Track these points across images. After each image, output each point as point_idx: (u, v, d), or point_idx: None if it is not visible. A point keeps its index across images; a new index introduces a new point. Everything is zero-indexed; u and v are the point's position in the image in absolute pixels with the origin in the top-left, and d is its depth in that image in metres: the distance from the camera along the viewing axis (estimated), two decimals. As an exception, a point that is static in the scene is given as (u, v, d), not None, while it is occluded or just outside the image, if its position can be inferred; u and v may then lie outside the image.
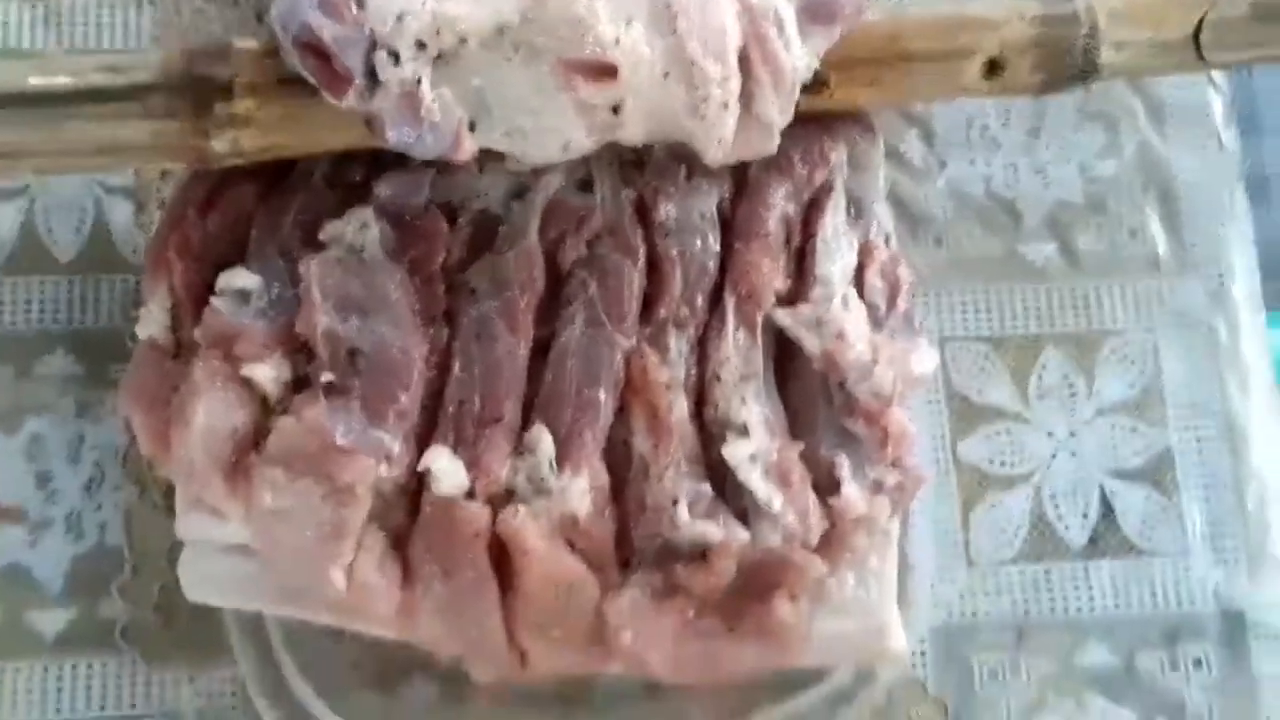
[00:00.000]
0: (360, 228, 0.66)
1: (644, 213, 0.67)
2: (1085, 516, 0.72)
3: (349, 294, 0.63)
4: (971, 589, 0.71)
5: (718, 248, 0.68)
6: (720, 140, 0.62)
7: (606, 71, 0.60)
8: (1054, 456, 0.72)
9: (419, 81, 0.59)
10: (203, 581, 0.64)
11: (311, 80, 0.60)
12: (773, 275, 0.67)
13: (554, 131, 0.62)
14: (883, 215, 0.70)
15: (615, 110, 0.61)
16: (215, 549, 0.63)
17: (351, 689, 0.67)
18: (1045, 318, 0.74)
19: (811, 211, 0.69)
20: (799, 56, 0.63)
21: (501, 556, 0.62)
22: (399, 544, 0.63)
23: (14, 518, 0.68)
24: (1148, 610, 0.71)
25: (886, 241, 0.69)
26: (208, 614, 0.67)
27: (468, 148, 0.61)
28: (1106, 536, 0.72)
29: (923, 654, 0.70)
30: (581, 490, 0.63)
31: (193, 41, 0.73)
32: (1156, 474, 0.73)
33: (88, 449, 0.69)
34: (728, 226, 0.68)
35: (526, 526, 0.61)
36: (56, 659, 0.67)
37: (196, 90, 0.61)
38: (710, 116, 0.62)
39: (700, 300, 0.67)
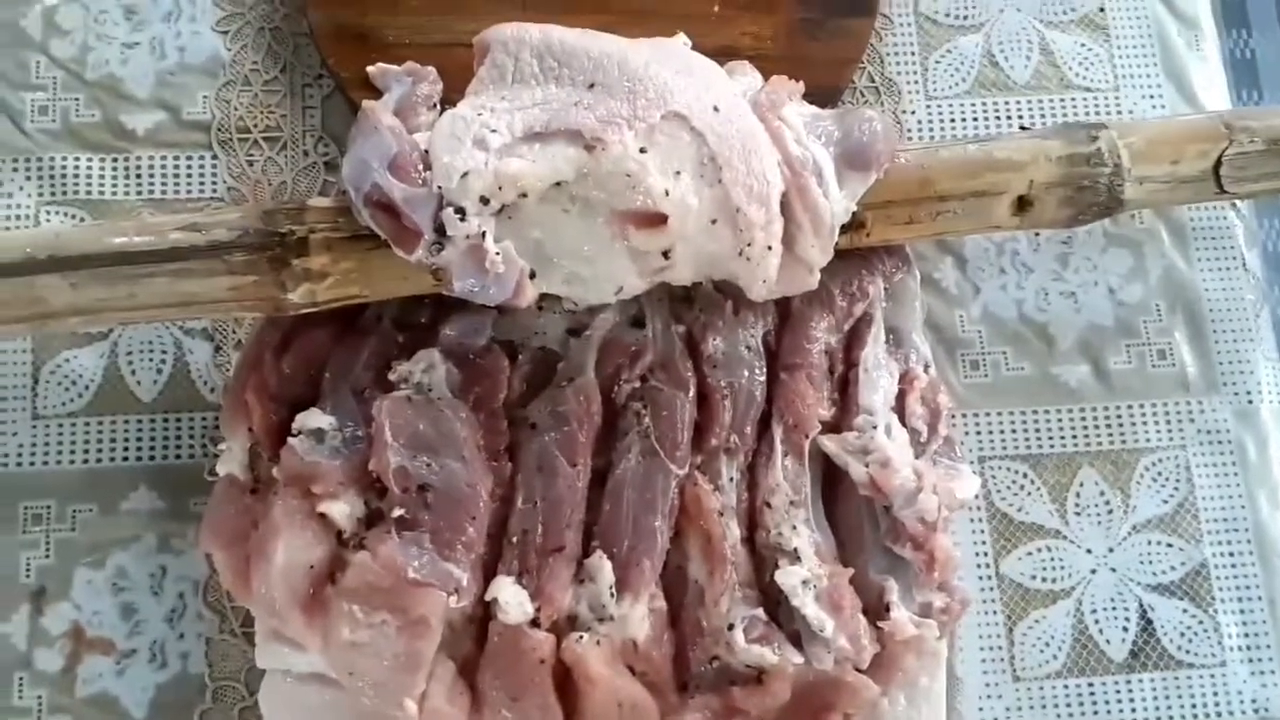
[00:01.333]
0: (427, 368, 0.69)
1: (693, 346, 0.71)
2: (1125, 630, 0.74)
3: (418, 432, 0.67)
4: (1018, 704, 0.73)
5: (763, 378, 0.71)
6: (765, 280, 0.66)
7: (657, 220, 0.64)
8: (1094, 572, 0.75)
9: (484, 235, 0.63)
10: (283, 710, 0.67)
11: (382, 235, 0.64)
12: (817, 405, 0.70)
13: (608, 277, 0.66)
14: (921, 344, 0.73)
15: (666, 255, 0.65)
16: (293, 678, 0.66)
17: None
18: (1080, 437, 0.77)
19: (852, 342, 0.73)
20: (837, 202, 0.67)
21: (565, 682, 0.65)
22: (467, 672, 0.66)
23: (103, 649, 0.71)
24: (1188, 721, 0.73)
25: (926, 369, 0.72)
26: (286, 739, 0.70)
27: (529, 295, 0.65)
28: (1146, 650, 0.74)
29: (972, 768, 0.72)
30: (641, 616, 0.66)
31: (265, 194, 0.77)
32: (1192, 588, 0.75)
33: (170, 581, 0.73)
34: (773, 357, 0.72)
35: (590, 653, 0.64)
36: (142, 783, 0.70)
37: (274, 246, 0.65)
38: (755, 258, 0.66)
39: (749, 429, 0.70)
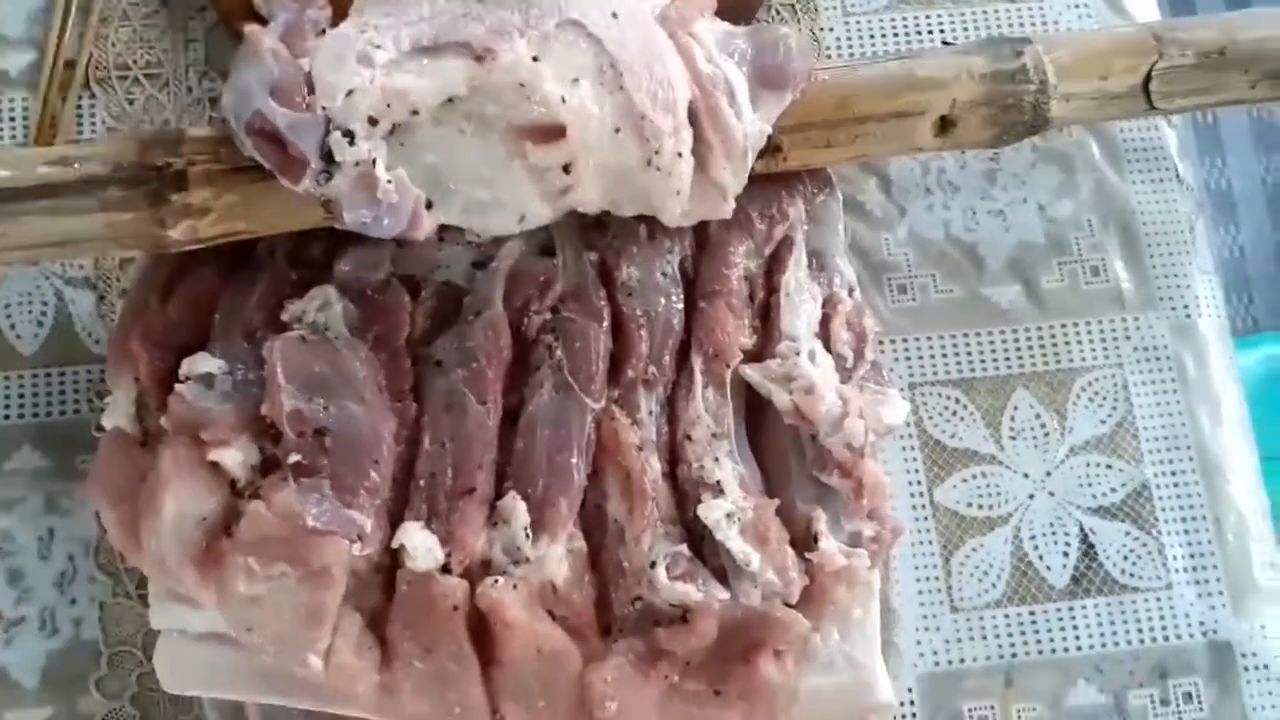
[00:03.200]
0: (322, 306, 0.65)
1: (607, 274, 0.67)
2: (1066, 556, 0.71)
3: (314, 373, 0.63)
4: (957, 635, 0.70)
5: (681, 306, 0.68)
6: (678, 192, 0.63)
7: (556, 132, 0.60)
8: (1031, 497, 0.72)
9: (374, 162, 0.59)
10: (180, 672, 0.63)
11: (267, 166, 0.60)
12: (738, 332, 0.67)
13: (511, 203, 0.62)
14: (845, 267, 0.70)
15: (567, 170, 0.61)
16: (190, 638, 0.63)
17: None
18: (1014, 359, 0.74)
19: (773, 267, 0.69)
20: (750, 123, 0.63)
21: (481, 629, 0.62)
22: (376, 624, 0.62)
23: (-13, 617, 0.67)
24: (1135, 647, 0.70)
25: (850, 293, 0.69)
26: (186, 706, 0.67)
27: (426, 226, 0.61)
28: (1089, 575, 0.71)
29: (912, 703, 0.69)
30: (559, 557, 0.63)
31: (145, 131, 0.73)
32: (1135, 510, 0.72)
33: (59, 543, 0.69)
34: (691, 285, 0.68)
35: (506, 597, 0.61)
36: (36, 759, 0.66)
37: (151, 180, 0.61)
38: (665, 167, 0.62)
39: (668, 359, 0.67)
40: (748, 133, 0.63)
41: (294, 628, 0.60)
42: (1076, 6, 0.80)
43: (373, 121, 0.59)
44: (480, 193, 0.62)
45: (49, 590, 0.68)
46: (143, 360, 0.64)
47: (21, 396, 0.70)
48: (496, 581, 0.61)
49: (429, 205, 0.61)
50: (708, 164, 0.63)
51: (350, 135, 0.59)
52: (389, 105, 0.59)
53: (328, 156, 0.59)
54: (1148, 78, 0.70)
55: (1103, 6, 0.81)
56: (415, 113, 0.60)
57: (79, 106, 0.74)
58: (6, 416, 0.70)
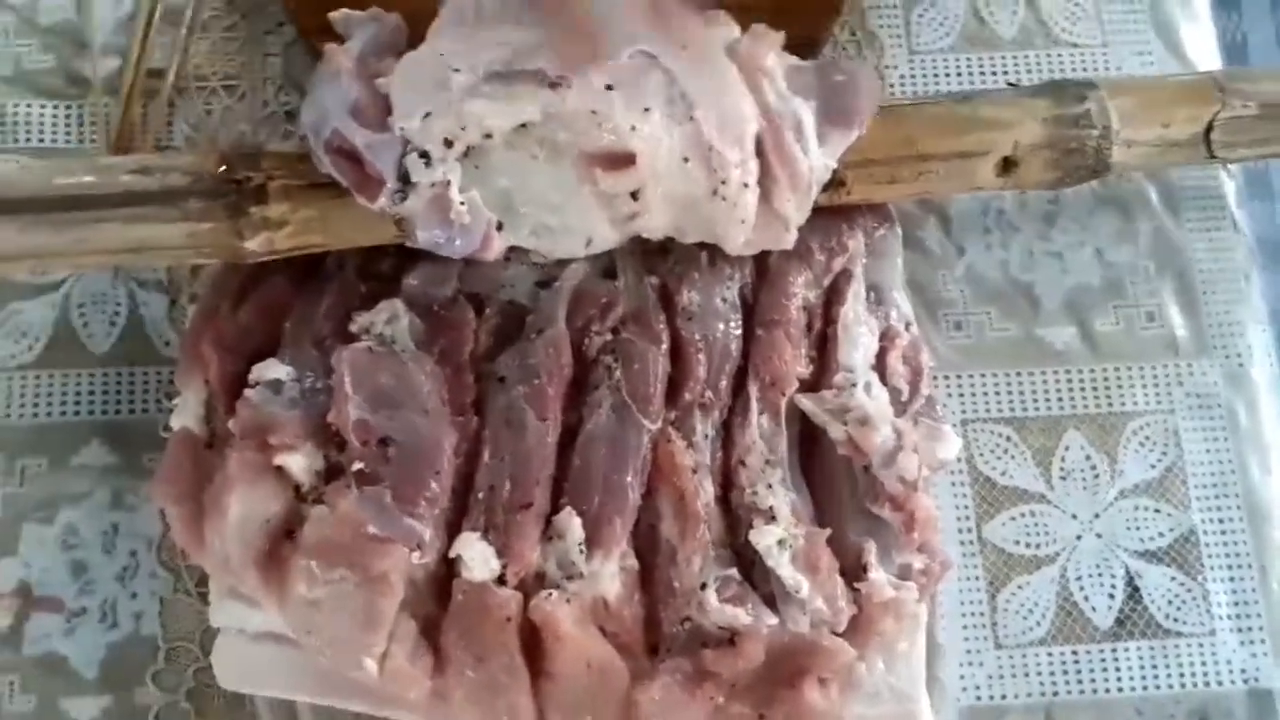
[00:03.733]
0: (390, 319, 0.67)
1: (667, 298, 0.69)
2: (1112, 598, 0.72)
3: (380, 384, 0.64)
4: (1000, 671, 0.71)
5: (740, 332, 0.69)
6: (743, 222, 0.64)
7: (625, 160, 0.62)
8: (1079, 538, 0.73)
9: (449, 184, 0.61)
10: (237, 670, 0.64)
11: (344, 183, 0.61)
12: (795, 362, 0.68)
13: (578, 227, 0.64)
14: (902, 301, 0.71)
15: (635, 196, 0.63)
16: (249, 637, 0.64)
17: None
18: (1066, 400, 0.75)
19: (832, 298, 0.70)
20: (816, 158, 0.64)
21: (532, 641, 0.63)
22: (430, 631, 0.63)
23: (51, 607, 0.69)
24: (1175, 690, 0.71)
25: (907, 327, 0.70)
26: (240, 702, 0.68)
27: (497, 247, 0.63)
28: (1133, 618, 0.72)
29: (952, 737, 0.70)
30: (611, 574, 0.64)
31: (224, 142, 0.75)
32: (1181, 555, 0.73)
33: (123, 538, 0.70)
34: (750, 313, 0.69)
35: (559, 611, 0.62)
36: (91, 747, 0.67)
37: (230, 194, 0.63)
38: (731, 197, 0.63)
39: (724, 385, 0.68)
40: (813, 167, 0.64)
41: (351, 632, 0.61)
42: (1140, 53, 0.81)
43: (448, 143, 0.61)
44: (549, 217, 0.63)
45: (111, 584, 0.69)
46: (213, 364, 0.66)
47: (92, 394, 0.72)
48: (550, 595, 0.62)
49: (499, 227, 0.63)
50: (772, 196, 0.64)
51: (426, 157, 0.61)
52: (464, 128, 0.60)
53: (404, 177, 0.61)
54: (1209, 127, 0.71)
55: (1164, 53, 0.81)
56: (489, 136, 0.61)
57: (149, 114, 0.76)
58: (77, 413, 0.71)
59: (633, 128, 0.61)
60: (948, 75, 0.80)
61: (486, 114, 0.61)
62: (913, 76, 0.80)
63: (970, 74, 0.80)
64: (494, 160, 0.62)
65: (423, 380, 0.65)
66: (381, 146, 0.60)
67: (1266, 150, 0.73)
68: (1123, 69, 0.80)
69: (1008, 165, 0.69)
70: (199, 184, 0.64)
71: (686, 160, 0.62)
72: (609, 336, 0.68)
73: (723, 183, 0.63)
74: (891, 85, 0.79)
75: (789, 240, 0.66)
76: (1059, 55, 0.80)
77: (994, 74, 0.80)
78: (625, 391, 0.66)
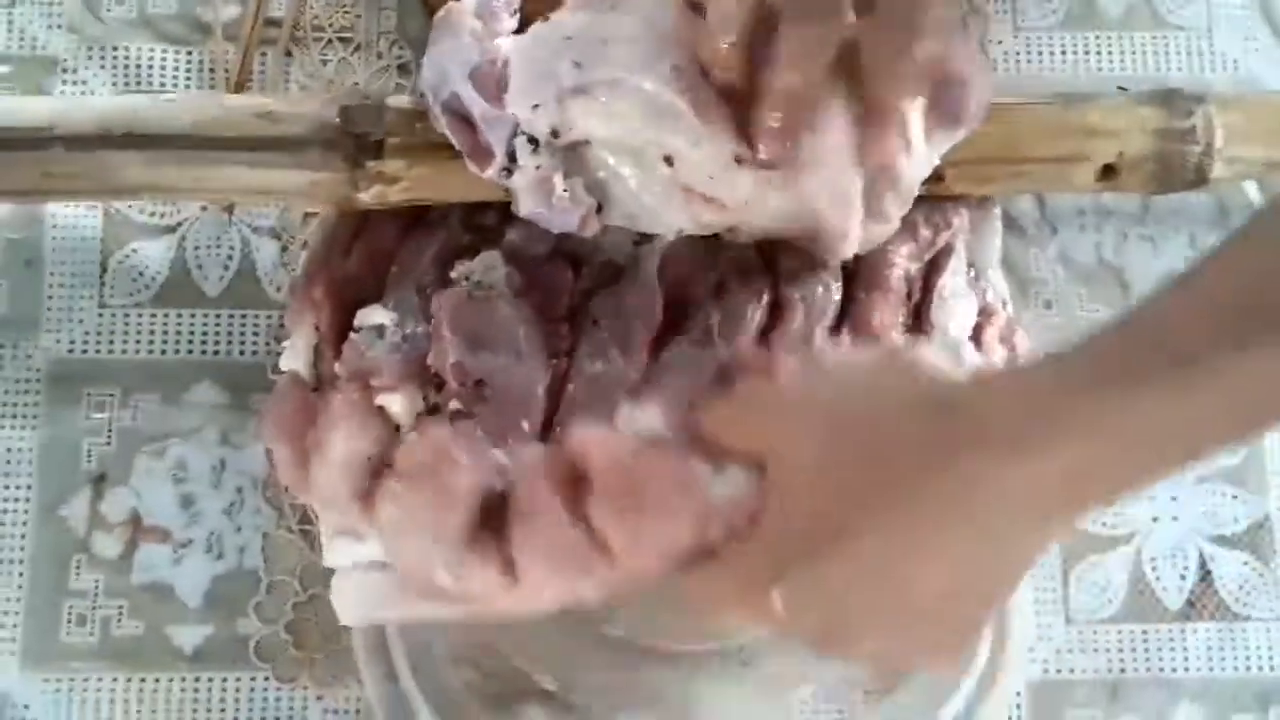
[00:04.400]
0: (489, 269, 0.69)
1: (769, 259, 0.70)
2: (1184, 579, 0.73)
3: (477, 328, 0.66)
4: (1069, 646, 0.73)
5: (839, 298, 0.70)
6: (846, 236, 0.65)
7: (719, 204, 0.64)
8: (1155, 520, 0.74)
9: (553, 170, 0.63)
10: (354, 601, 0.66)
11: (457, 146, 0.63)
12: (891, 325, 0.69)
13: (673, 223, 0.65)
14: (999, 281, 0.72)
15: (730, 230, 0.65)
16: (360, 569, 0.66)
17: (468, 712, 0.70)
18: (1151, 383, 0.76)
19: (931, 270, 0.71)
20: (921, 160, 0.64)
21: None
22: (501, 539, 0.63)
23: (160, 537, 0.72)
24: (1241, 674, 0.72)
25: (1004, 305, 0.71)
26: (336, 636, 0.71)
27: (593, 228, 0.65)
28: (1204, 600, 0.73)
29: (1018, 708, 0.72)
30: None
31: (348, 96, 0.77)
32: (1254, 541, 0.74)
33: (230, 474, 0.73)
34: (851, 278, 0.70)
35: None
36: (193, 672, 0.71)
37: (349, 146, 0.65)
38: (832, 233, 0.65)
39: (818, 339, 0.69)
40: (916, 165, 0.65)
41: (433, 546, 0.62)
42: (1246, 38, 0.81)
43: (555, 134, 0.62)
44: (645, 214, 0.65)
45: (218, 517, 0.73)
46: (323, 309, 0.68)
47: (205, 334, 0.75)
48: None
49: (598, 210, 0.65)
50: (873, 204, 0.65)
51: (534, 142, 0.63)
52: (570, 127, 0.62)
53: (511, 155, 0.63)
54: None
55: (1270, 39, 0.81)
56: (588, 142, 0.63)
57: (267, 61, 0.79)
58: (190, 351, 0.74)
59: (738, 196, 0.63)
60: (1052, 54, 0.80)
61: (588, 122, 0.62)
62: (1017, 54, 0.80)
63: (1075, 53, 0.80)
64: (594, 156, 0.64)
65: (518, 325, 0.67)
66: (495, 121, 0.62)
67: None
68: (1227, 55, 0.80)
69: (1108, 172, 0.70)
70: (320, 133, 0.66)
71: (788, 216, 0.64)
72: (709, 290, 0.69)
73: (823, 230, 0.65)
74: (994, 60, 0.80)
75: (890, 231, 0.67)
76: (1164, 38, 0.81)
77: (1098, 54, 0.80)
78: (717, 337, 0.68)
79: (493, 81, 0.62)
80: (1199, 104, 0.69)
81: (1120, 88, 0.74)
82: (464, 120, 0.63)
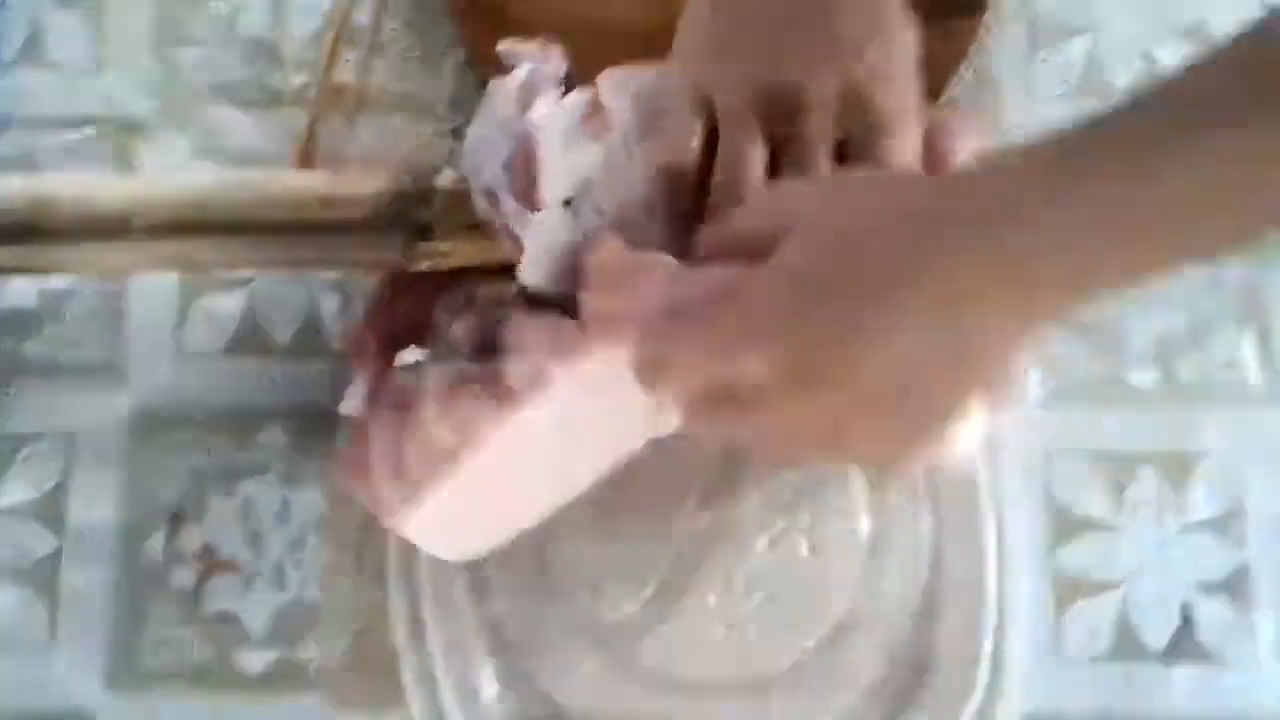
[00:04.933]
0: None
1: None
2: (1167, 624, 0.79)
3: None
4: (1060, 682, 0.78)
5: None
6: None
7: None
8: (1141, 566, 0.80)
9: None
10: (432, 535, 0.73)
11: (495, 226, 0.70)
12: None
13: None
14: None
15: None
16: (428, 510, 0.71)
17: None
18: (1142, 438, 0.81)
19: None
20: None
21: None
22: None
23: (231, 569, 0.79)
24: (1221, 715, 0.78)
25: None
26: (388, 664, 0.77)
27: None
28: (1185, 644, 0.79)
29: (1012, 740, 0.78)
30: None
31: (397, 157, 0.83)
32: (1235, 588, 0.79)
33: (294, 512, 0.80)
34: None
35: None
36: (258, 695, 0.78)
37: (403, 230, 0.72)
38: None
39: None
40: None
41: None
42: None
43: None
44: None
45: (283, 551, 0.80)
46: (372, 353, 0.75)
47: (274, 382, 0.82)
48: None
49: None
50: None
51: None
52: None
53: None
54: None
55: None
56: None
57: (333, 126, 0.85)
58: (259, 398, 0.81)
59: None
60: (1064, 123, 0.85)
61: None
62: (1030, 124, 0.85)
63: (1083, 121, 0.85)
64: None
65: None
66: (521, 220, 0.68)
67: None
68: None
69: None
70: (376, 219, 0.72)
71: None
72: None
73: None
74: (1008, 131, 0.85)
75: None
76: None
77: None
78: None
79: (524, 175, 0.68)
80: None
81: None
82: (499, 205, 0.69)
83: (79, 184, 0.76)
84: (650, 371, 0.61)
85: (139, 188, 0.74)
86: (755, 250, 0.58)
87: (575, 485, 0.75)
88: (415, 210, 0.72)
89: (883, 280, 0.55)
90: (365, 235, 0.72)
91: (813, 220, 0.58)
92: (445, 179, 0.73)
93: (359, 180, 0.76)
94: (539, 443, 0.69)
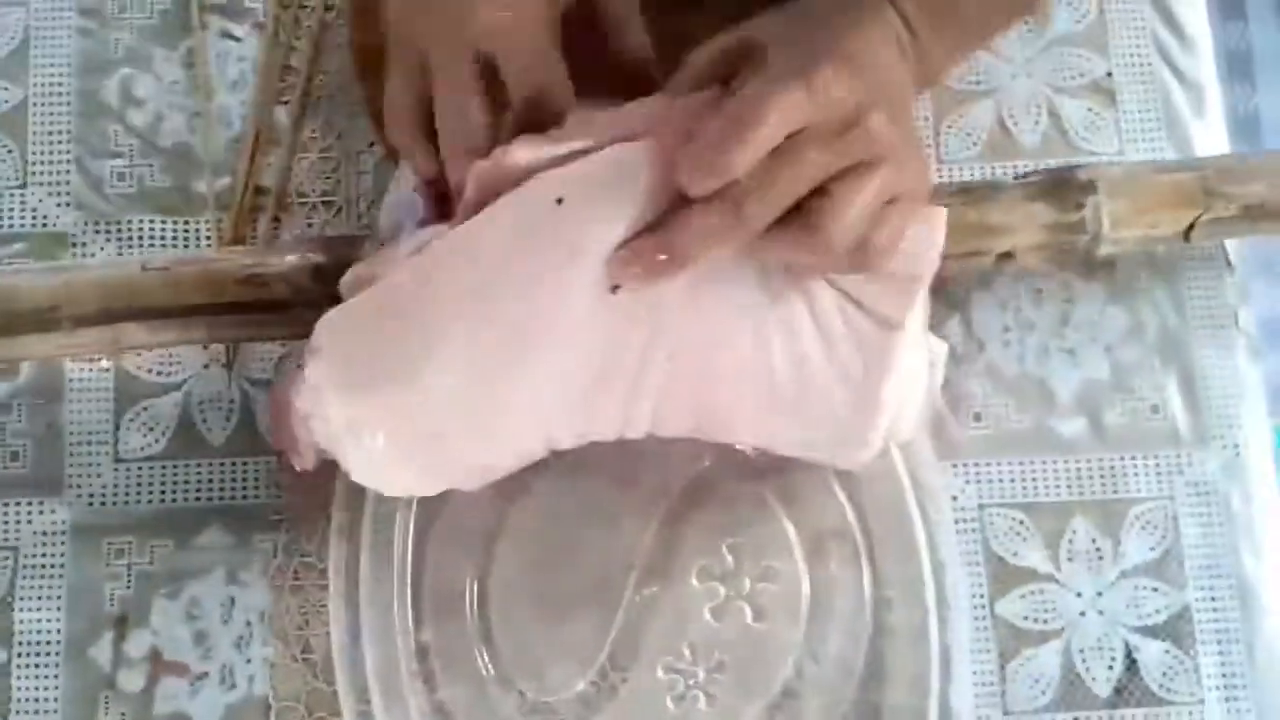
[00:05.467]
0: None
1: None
2: (1111, 669, 0.80)
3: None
4: (1008, 735, 0.79)
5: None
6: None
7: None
8: (1083, 614, 0.81)
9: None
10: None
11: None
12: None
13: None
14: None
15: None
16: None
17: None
18: (1075, 487, 0.83)
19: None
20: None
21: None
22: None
23: (178, 671, 0.79)
24: (1168, 757, 0.79)
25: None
26: (339, 756, 0.78)
27: None
28: (1130, 688, 0.80)
29: (961, 795, 0.79)
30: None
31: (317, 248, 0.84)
32: (1175, 630, 0.81)
33: (238, 610, 0.80)
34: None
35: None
36: (210, 794, 0.78)
37: (328, 302, 0.72)
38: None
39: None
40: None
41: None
42: (1155, 158, 0.88)
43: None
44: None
45: (229, 650, 0.80)
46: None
47: (210, 482, 0.82)
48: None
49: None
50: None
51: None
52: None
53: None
54: (1190, 226, 0.81)
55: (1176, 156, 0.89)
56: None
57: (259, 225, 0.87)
58: (199, 499, 0.82)
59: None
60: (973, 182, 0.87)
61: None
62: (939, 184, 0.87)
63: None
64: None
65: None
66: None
67: (1237, 238, 0.85)
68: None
69: (1004, 257, 0.80)
70: (300, 295, 0.76)
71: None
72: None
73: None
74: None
75: None
76: (1079, 164, 0.87)
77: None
78: None
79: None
80: (1089, 196, 0.79)
81: (1017, 177, 0.83)
82: None
83: (4, 280, 0.79)
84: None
85: (65, 279, 0.77)
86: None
87: (506, 401, 0.69)
88: (336, 285, 0.73)
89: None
90: (292, 312, 0.74)
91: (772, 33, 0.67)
92: (367, 252, 0.75)
93: (281, 258, 0.78)
94: (451, 283, 0.68)
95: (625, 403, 0.69)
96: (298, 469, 0.73)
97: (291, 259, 0.78)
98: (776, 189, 0.62)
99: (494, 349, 0.67)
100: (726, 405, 0.71)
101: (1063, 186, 0.80)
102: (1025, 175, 0.82)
